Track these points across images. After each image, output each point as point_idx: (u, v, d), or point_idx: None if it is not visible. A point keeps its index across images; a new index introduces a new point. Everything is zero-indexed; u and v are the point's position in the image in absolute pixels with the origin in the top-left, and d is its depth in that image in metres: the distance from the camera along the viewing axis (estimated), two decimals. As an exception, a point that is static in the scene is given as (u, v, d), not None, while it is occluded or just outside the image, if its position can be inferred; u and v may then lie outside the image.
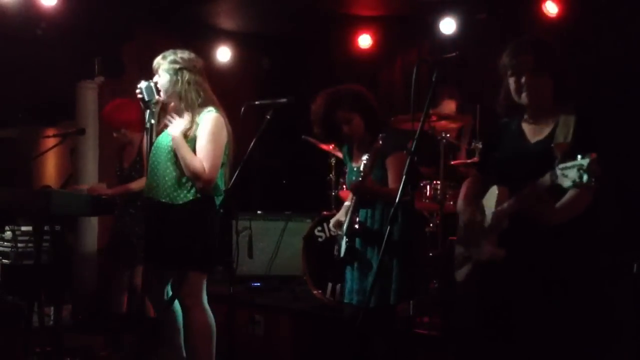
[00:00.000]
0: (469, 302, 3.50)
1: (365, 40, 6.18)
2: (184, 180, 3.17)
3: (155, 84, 3.19)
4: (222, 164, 3.22)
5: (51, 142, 4.62)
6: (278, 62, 6.61)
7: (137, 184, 4.14)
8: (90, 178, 5.59)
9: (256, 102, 3.13)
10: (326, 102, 3.18)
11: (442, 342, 3.57)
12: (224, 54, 6.29)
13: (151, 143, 3.14)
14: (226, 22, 6.19)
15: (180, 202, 3.17)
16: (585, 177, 1.85)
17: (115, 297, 4.29)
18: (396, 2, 5.65)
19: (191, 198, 3.17)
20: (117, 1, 5.29)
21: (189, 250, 3.07)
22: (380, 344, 3.09)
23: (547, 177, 2.03)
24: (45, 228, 4.00)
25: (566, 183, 1.93)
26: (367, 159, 2.93)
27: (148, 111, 3.12)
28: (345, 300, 3.20)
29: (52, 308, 4.44)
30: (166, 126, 3.27)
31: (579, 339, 2.23)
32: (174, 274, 3.24)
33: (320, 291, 4.34)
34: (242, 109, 3.13)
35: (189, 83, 3.21)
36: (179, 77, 3.21)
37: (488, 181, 2.49)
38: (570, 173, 1.90)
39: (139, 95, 3.17)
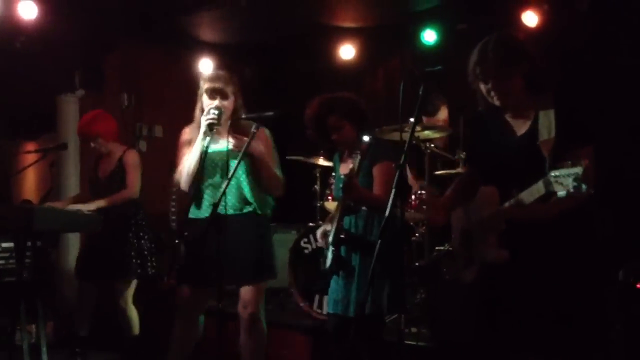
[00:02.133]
0: (460, 310, 3.52)
1: (347, 51, 6.20)
2: (248, 193, 3.31)
3: (219, 108, 3.23)
4: None
5: (32, 156, 4.57)
6: (260, 73, 6.61)
7: (114, 198, 4.12)
8: (72, 192, 5.51)
9: (243, 116, 3.12)
10: (320, 107, 3.24)
11: (431, 353, 3.57)
12: (206, 65, 6.27)
13: (202, 164, 3.16)
14: (208, 33, 6.17)
15: (246, 213, 3.32)
16: (583, 187, 1.85)
17: (81, 316, 4.27)
18: (377, 13, 5.68)
19: (251, 210, 3.32)
20: (97, 14, 5.24)
21: (262, 261, 3.30)
22: (368, 355, 3.08)
23: (540, 185, 2.02)
24: (27, 244, 3.94)
25: (561, 192, 1.92)
26: (354, 160, 2.95)
27: (204, 134, 3.15)
28: (330, 310, 3.20)
29: (33, 326, 4.37)
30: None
31: (573, 341, 2.24)
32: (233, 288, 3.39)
33: (307, 303, 4.33)
34: (229, 122, 3.11)
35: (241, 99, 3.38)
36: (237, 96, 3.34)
37: (478, 177, 2.49)
38: (565, 181, 1.90)
39: (212, 117, 3.16)
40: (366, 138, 3.14)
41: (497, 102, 2.34)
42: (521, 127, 2.36)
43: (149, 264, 4.25)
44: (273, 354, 4.20)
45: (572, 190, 1.87)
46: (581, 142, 2.18)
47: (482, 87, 2.36)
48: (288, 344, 4.20)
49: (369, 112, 3.28)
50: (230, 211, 3.25)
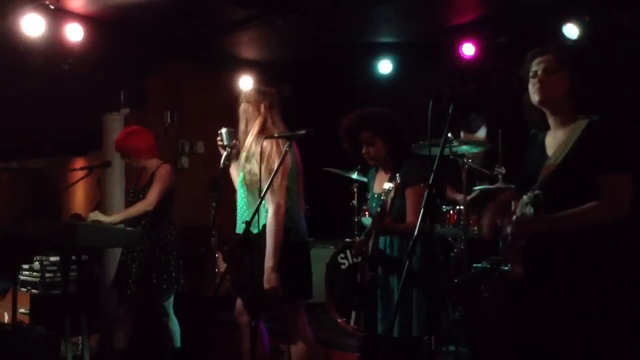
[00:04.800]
0: (497, 328, 3.46)
1: (385, 66, 6.21)
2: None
3: (234, 130, 3.38)
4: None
5: (79, 173, 4.71)
6: (299, 89, 6.67)
7: (129, 211, 4.15)
8: (117, 206, 5.67)
9: (275, 135, 3.16)
10: (355, 121, 3.27)
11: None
12: (246, 83, 6.38)
13: (222, 181, 3.32)
14: (247, 51, 6.28)
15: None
16: (530, 210, 1.95)
17: (120, 329, 4.29)
18: (416, 28, 5.67)
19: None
20: (140, 35, 5.41)
21: (296, 278, 3.23)
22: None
23: (522, 201, 2.12)
24: (72, 258, 4.07)
25: (528, 211, 2.05)
26: (386, 195, 2.92)
27: (224, 153, 3.37)
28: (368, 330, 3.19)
29: (79, 337, 4.49)
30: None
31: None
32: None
33: (344, 319, 4.32)
34: (262, 141, 3.16)
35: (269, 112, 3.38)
36: (261, 109, 3.37)
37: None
38: (528, 201, 1.98)
39: (219, 139, 3.39)
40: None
41: (535, 97, 2.32)
42: (553, 148, 2.32)
43: (173, 279, 4.18)
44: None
45: (525, 212, 2.01)
46: (616, 169, 2.18)
47: (530, 84, 2.35)
48: (322, 359, 4.19)
49: (404, 131, 3.28)
50: (260, 229, 3.22)
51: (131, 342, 4.31)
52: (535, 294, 2.27)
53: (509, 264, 2.26)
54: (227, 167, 3.39)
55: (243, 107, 3.38)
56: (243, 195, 3.34)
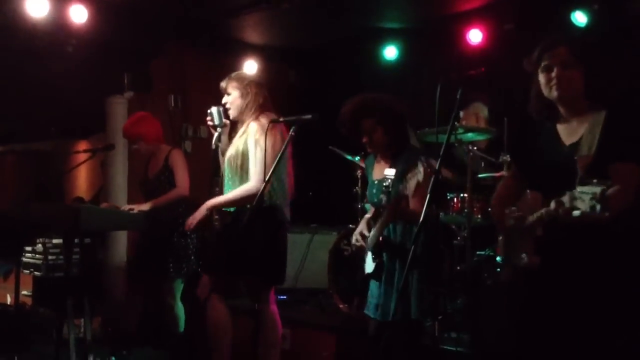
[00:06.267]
0: (500, 316, 3.45)
1: (391, 52, 6.17)
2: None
3: (224, 108, 3.39)
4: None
5: (82, 156, 4.72)
6: (305, 74, 6.63)
7: (167, 197, 4.20)
8: (120, 190, 5.67)
9: (280, 119, 3.15)
10: (356, 107, 3.22)
11: (470, 359, 3.52)
12: (250, 67, 6.34)
13: (217, 162, 3.35)
14: (252, 35, 6.24)
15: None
16: (598, 208, 1.80)
17: (128, 313, 4.35)
18: (422, 13, 5.63)
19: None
20: (145, 18, 5.37)
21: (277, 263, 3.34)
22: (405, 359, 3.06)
23: (566, 198, 1.97)
24: (76, 241, 4.07)
25: (578, 210, 1.89)
26: (397, 181, 2.89)
27: (216, 133, 3.40)
28: (371, 315, 3.19)
29: (82, 320, 4.51)
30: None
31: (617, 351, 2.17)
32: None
33: (346, 305, 4.33)
34: (267, 124, 3.15)
35: (255, 94, 3.40)
36: (248, 90, 3.40)
37: (523, 179, 2.45)
38: (585, 198, 1.85)
39: (208, 119, 3.39)
40: None
41: (554, 93, 2.29)
42: (572, 135, 2.32)
43: (192, 262, 4.30)
44: (312, 355, 4.22)
45: (588, 210, 1.83)
46: (628, 159, 2.14)
47: (542, 78, 2.32)
48: (327, 345, 4.20)
49: (406, 121, 3.25)
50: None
51: (138, 325, 4.35)
52: (559, 282, 2.24)
53: (524, 254, 2.25)
54: (218, 147, 3.39)
55: (231, 90, 3.40)
56: (229, 176, 3.36)
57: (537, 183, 2.33)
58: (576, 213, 1.88)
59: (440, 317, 3.74)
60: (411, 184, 3.01)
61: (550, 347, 2.27)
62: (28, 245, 5.34)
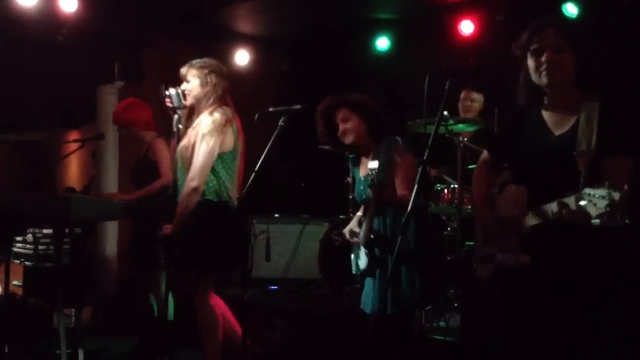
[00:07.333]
0: (488, 307, 3.46)
1: (383, 42, 6.16)
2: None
3: (183, 91, 3.31)
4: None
5: (73, 145, 4.69)
6: (296, 64, 6.62)
7: (151, 188, 4.18)
8: (111, 180, 5.66)
9: (270, 109, 3.13)
10: (330, 101, 3.26)
11: (459, 348, 3.55)
12: (242, 57, 6.32)
13: (177, 146, 3.27)
14: (244, 25, 6.21)
15: None
16: (618, 216, 1.73)
17: (141, 299, 4.35)
18: (414, 4, 5.62)
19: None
20: (136, 7, 5.34)
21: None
22: (397, 350, 3.08)
23: (572, 200, 1.89)
24: (66, 231, 4.06)
25: (593, 212, 1.79)
26: (373, 172, 2.90)
27: (176, 116, 3.29)
28: (367, 311, 3.18)
29: (72, 310, 4.51)
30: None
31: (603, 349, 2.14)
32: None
33: (337, 295, 4.34)
34: (256, 115, 3.14)
35: (214, 85, 3.32)
36: (208, 80, 3.32)
37: (498, 164, 2.39)
38: (599, 204, 1.75)
39: (167, 101, 3.31)
40: None
41: (544, 79, 2.18)
42: (560, 126, 2.21)
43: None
44: (303, 345, 4.24)
45: (604, 217, 1.74)
46: (621, 153, 2.06)
47: (532, 62, 2.21)
48: (317, 335, 4.22)
49: (381, 110, 3.25)
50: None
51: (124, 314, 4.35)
52: (550, 280, 2.17)
53: (512, 252, 2.18)
54: (179, 130, 3.29)
55: (190, 78, 3.33)
56: (179, 165, 3.31)
57: (523, 176, 2.24)
58: (594, 214, 1.78)
59: (429, 307, 3.78)
60: (399, 172, 3.02)
61: (537, 338, 2.26)
62: (18, 235, 5.32)
